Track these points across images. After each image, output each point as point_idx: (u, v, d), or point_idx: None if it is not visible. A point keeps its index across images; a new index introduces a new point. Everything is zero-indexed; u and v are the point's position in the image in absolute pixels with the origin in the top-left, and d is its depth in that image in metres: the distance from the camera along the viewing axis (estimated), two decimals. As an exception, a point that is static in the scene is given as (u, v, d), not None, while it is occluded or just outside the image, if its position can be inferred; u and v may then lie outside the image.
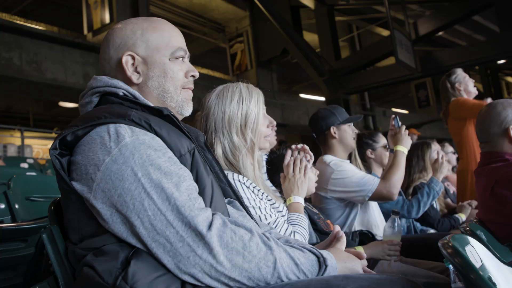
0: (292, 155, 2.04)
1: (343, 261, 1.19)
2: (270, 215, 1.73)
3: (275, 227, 1.69)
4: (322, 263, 1.11)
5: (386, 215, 2.84)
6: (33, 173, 4.65)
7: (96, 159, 1.07)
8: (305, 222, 1.86)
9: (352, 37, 18.04)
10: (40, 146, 14.95)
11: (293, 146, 2.10)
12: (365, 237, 2.48)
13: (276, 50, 14.79)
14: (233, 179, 1.72)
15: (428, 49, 15.95)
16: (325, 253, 1.14)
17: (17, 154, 10.52)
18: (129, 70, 1.26)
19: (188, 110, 1.35)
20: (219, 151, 1.76)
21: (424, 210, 3.09)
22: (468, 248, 1.11)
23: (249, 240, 1.04)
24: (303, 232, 1.78)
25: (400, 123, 2.82)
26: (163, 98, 1.29)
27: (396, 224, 2.31)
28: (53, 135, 15.38)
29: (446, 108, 4.02)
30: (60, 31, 11.94)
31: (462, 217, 3.53)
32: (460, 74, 4.01)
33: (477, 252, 1.13)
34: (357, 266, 1.22)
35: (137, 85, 1.28)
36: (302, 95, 17.65)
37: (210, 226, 1.03)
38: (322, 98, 15.73)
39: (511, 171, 1.98)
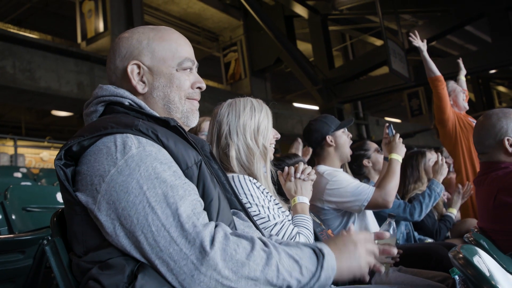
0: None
1: (338, 248, 1.15)
2: (278, 215, 1.74)
3: (281, 227, 1.70)
4: (318, 253, 1.09)
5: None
6: (28, 183, 4.60)
7: (102, 169, 1.05)
8: (310, 223, 1.86)
9: (345, 47, 18.15)
10: (32, 155, 14.85)
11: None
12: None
13: (270, 59, 14.86)
14: (244, 179, 1.74)
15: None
16: (318, 244, 1.13)
17: (9, 163, 10.43)
18: (135, 80, 1.25)
19: (193, 121, 1.33)
20: (232, 153, 1.78)
21: (426, 212, 3.07)
22: (476, 259, 1.11)
23: (252, 250, 1.02)
24: (307, 233, 1.79)
25: (394, 131, 2.82)
26: (168, 109, 1.28)
27: (392, 227, 2.31)
28: (46, 144, 15.33)
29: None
30: (54, 40, 11.90)
31: (454, 211, 3.53)
32: (450, 86, 4.01)
33: (485, 263, 1.13)
34: (356, 249, 1.16)
35: (143, 95, 1.27)
36: (296, 104, 17.69)
37: (212, 241, 1.00)
38: (316, 107, 15.80)
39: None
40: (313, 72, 13.09)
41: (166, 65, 1.26)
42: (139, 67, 1.25)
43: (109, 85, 1.27)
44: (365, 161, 3.40)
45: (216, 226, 1.05)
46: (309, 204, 1.95)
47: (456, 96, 3.98)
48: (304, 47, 15.70)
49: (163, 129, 1.16)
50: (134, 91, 1.26)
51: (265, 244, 1.06)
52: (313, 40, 14.41)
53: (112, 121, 1.12)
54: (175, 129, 1.19)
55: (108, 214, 1.03)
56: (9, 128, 15.88)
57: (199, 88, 1.33)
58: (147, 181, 1.03)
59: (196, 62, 1.34)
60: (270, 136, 1.87)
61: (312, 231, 1.84)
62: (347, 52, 18.09)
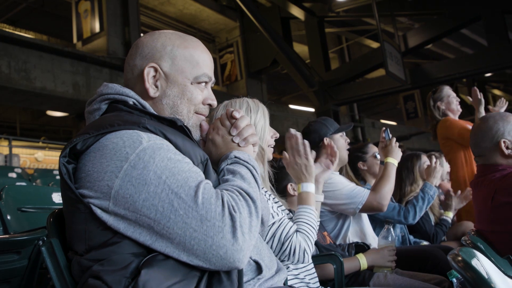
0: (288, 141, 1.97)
1: None
2: (278, 214, 1.74)
3: (279, 226, 1.70)
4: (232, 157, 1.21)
5: (383, 222, 2.84)
6: (23, 183, 4.57)
7: (112, 165, 1.04)
8: (312, 215, 1.82)
9: (341, 49, 18.19)
10: (27, 156, 14.80)
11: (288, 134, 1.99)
12: (361, 249, 2.48)
13: (266, 61, 14.86)
14: None
15: (417, 61, 16.11)
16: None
17: (4, 164, 10.38)
18: (148, 82, 1.24)
19: (196, 136, 1.32)
20: None
21: (421, 215, 3.09)
22: (474, 262, 1.11)
23: (249, 209, 1.07)
24: (306, 229, 1.75)
25: (390, 135, 2.83)
26: None
27: (390, 234, 2.34)
28: (41, 144, 15.27)
29: (434, 126, 4.04)
30: (50, 40, 11.87)
31: (450, 215, 3.55)
32: (444, 92, 4.00)
33: (483, 265, 1.13)
34: None
35: (152, 99, 1.26)
36: (292, 106, 17.71)
37: (233, 207, 1.04)
38: (312, 109, 15.82)
39: (509, 178, 2.00)
40: (309, 74, 13.09)
41: (183, 76, 1.26)
42: (156, 70, 1.25)
43: (114, 84, 1.26)
44: (360, 164, 3.41)
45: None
46: (313, 192, 1.89)
47: (449, 102, 3.99)
48: (301, 49, 15.71)
49: (169, 128, 1.17)
50: (144, 93, 1.25)
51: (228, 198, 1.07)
52: (310, 42, 14.41)
53: (118, 119, 1.13)
54: (181, 129, 1.20)
55: (126, 207, 1.03)
56: (4, 128, 15.82)
57: (210, 105, 1.34)
58: (165, 171, 1.04)
59: (213, 79, 1.34)
60: (267, 136, 1.85)
61: (315, 223, 1.81)
62: (343, 54, 18.14)
